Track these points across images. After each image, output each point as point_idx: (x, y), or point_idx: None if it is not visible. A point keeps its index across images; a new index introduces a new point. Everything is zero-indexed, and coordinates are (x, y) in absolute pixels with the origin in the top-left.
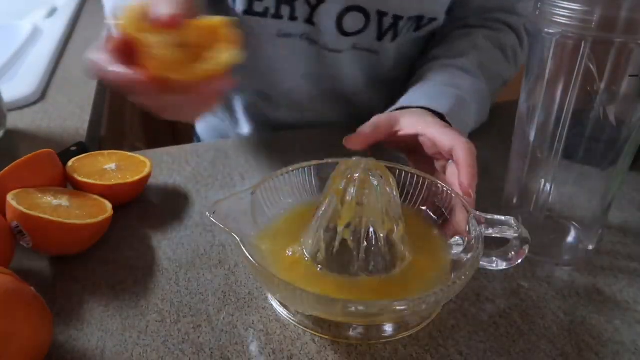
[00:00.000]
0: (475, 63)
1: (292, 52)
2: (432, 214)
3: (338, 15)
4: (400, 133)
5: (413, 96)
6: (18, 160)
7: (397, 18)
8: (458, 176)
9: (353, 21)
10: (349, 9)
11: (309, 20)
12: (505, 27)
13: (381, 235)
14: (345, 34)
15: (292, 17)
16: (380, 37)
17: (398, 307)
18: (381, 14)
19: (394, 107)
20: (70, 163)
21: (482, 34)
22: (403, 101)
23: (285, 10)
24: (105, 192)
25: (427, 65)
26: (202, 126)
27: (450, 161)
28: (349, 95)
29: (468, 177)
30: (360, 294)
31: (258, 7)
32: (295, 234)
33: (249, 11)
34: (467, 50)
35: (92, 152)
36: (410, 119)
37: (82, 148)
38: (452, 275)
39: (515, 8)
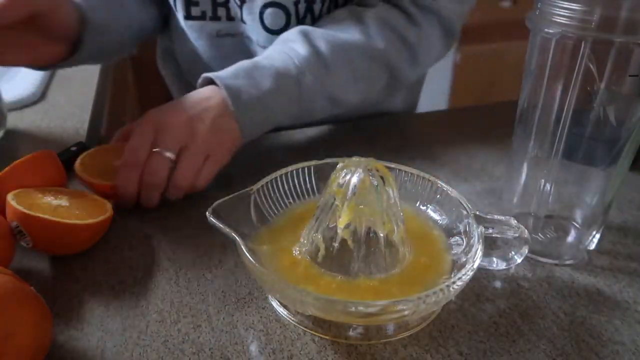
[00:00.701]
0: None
1: (234, 50)
2: (432, 214)
3: (259, 12)
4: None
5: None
6: (18, 160)
7: (309, 2)
8: None
9: (274, 18)
10: (267, 5)
11: (242, 20)
12: (398, 10)
13: (381, 235)
14: (270, 31)
15: (229, 18)
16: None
17: (398, 307)
18: (296, 4)
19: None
20: (79, 160)
21: (348, 8)
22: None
23: (221, 11)
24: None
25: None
26: None
27: None
28: None
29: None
30: (360, 294)
31: (195, 12)
32: (295, 234)
33: (187, 17)
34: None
35: (104, 146)
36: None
37: (82, 148)
38: (452, 276)
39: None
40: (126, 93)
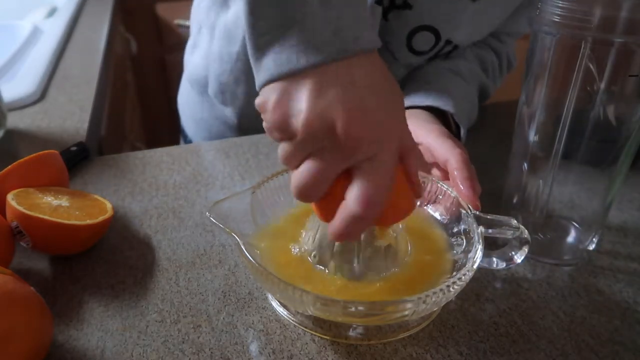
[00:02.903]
0: (464, 68)
1: None
2: (433, 214)
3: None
4: None
5: (415, 97)
6: (22, 159)
7: (455, 47)
8: (458, 189)
9: (423, 43)
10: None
11: None
12: (488, 49)
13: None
14: (413, 52)
15: None
16: (432, 58)
17: (398, 308)
18: (447, 43)
19: None
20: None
21: (468, 47)
22: (407, 101)
23: None
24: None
25: (424, 68)
26: (193, 130)
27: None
28: None
29: (469, 190)
30: (360, 293)
31: None
32: (295, 233)
33: None
34: (455, 55)
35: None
36: (411, 126)
37: (82, 148)
38: (453, 275)
39: (505, 38)
40: (126, 93)
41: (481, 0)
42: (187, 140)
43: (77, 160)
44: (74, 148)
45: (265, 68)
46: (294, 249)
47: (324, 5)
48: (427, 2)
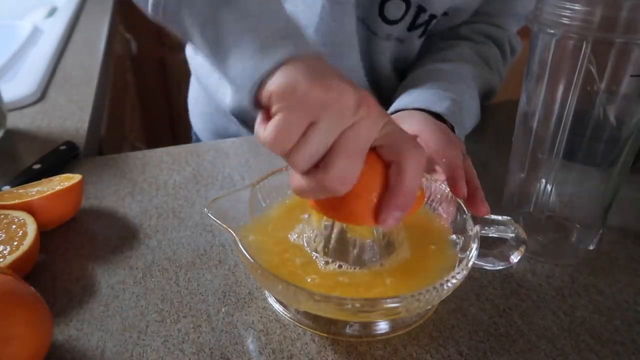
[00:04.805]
0: (464, 68)
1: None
2: (433, 210)
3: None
4: None
5: (408, 98)
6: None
7: (431, 17)
8: (446, 178)
9: (395, 9)
10: None
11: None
12: (489, 41)
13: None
14: (386, 21)
15: None
16: (410, 28)
17: (390, 305)
18: (420, 9)
19: (389, 110)
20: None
21: (467, 45)
22: (399, 104)
23: None
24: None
25: (417, 70)
26: (200, 126)
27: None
28: (372, 85)
29: (457, 176)
30: (359, 284)
31: None
32: (290, 223)
33: None
34: (455, 56)
35: None
36: (408, 121)
37: (71, 147)
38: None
39: (502, 22)
40: (126, 93)
41: None
42: (194, 140)
43: (67, 159)
44: (62, 147)
45: (241, 76)
46: (291, 236)
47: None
48: None
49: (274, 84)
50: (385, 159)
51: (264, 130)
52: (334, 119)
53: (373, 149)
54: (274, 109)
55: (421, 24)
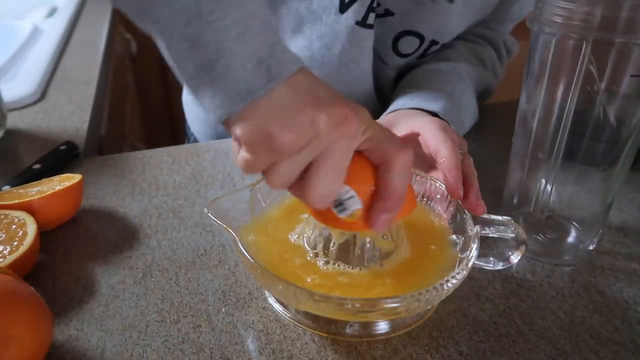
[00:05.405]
0: (461, 67)
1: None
2: (432, 209)
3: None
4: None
5: (405, 98)
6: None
7: (442, 46)
8: (443, 178)
9: (408, 45)
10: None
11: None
12: (484, 42)
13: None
14: (399, 55)
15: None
16: (421, 57)
17: (390, 305)
18: (432, 43)
19: (387, 112)
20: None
21: (463, 45)
22: (395, 105)
23: None
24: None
25: (415, 70)
26: (197, 126)
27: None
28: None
29: (454, 177)
30: (360, 284)
31: None
32: (290, 223)
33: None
34: (452, 56)
35: None
36: (407, 120)
37: (71, 147)
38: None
39: (496, 26)
40: (126, 93)
41: (458, 1)
42: (192, 140)
43: (67, 159)
44: (62, 147)
45: (208, 109)
46: (291, 236)
47: (239, 40)
48: (407, 8)
49: (239, 129)
50: (373, 162)
51: (237, 152)
52: (304, 154)
53: (360, 153)
54: (241, 147)
55: (432, 52)
